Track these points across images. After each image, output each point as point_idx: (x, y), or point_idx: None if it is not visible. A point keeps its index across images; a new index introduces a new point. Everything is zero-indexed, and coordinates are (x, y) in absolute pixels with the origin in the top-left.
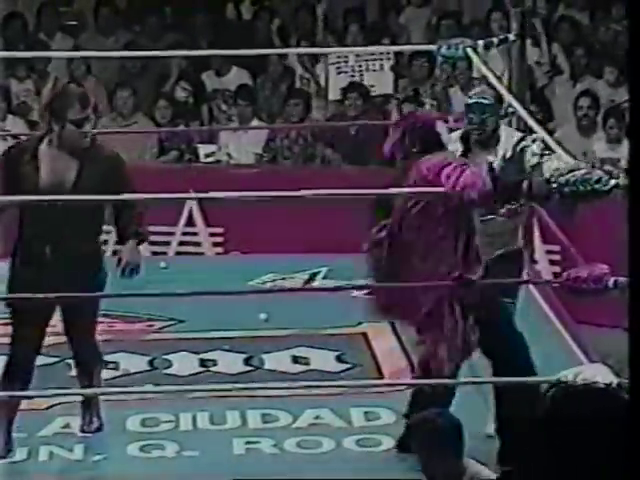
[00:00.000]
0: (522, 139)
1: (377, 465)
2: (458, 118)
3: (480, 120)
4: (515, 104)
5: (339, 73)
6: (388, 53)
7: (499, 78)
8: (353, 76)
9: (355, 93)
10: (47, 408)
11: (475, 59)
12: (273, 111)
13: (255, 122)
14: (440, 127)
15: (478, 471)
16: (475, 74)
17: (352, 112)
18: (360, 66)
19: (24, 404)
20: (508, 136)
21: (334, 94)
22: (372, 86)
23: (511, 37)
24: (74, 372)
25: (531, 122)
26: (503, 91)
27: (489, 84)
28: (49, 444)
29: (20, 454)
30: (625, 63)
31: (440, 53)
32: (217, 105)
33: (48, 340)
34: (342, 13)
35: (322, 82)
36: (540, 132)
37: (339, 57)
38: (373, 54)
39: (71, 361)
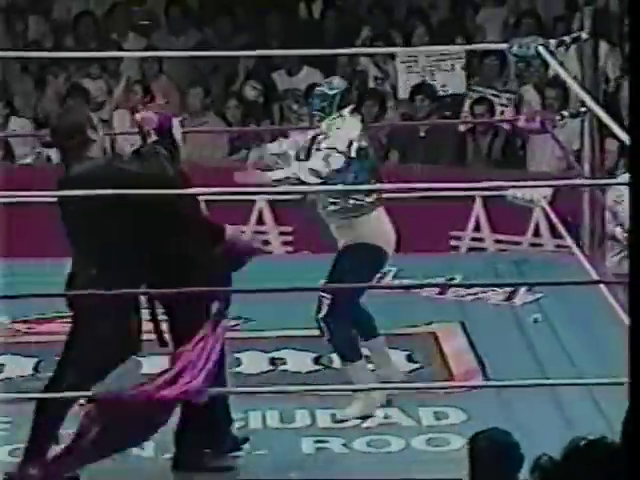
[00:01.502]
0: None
1: (446, 465)
2: (530, 117)
3: (320, 107)
4: (590, 103)
5: (409, 72)
6: (459, 53)
7: (575, 77)
8: (423, 76)
9: (422, 94)
10: None
11: (548, 58)
12: None
13: None
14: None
15: None
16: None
17: (421, 113)
18: (431, 66)
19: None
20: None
21: (404, 92)
22: (443, 86)
23: (584, 36)
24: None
25: (607, 121)
26: (578, 90)
27: (562, 82)
28: None
29: None
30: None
31: (512, 52)
32: (288, 105)
33: None
34: (411, 12)
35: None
36: (619, 132)
37: (409, 56)
38: (445, 54)
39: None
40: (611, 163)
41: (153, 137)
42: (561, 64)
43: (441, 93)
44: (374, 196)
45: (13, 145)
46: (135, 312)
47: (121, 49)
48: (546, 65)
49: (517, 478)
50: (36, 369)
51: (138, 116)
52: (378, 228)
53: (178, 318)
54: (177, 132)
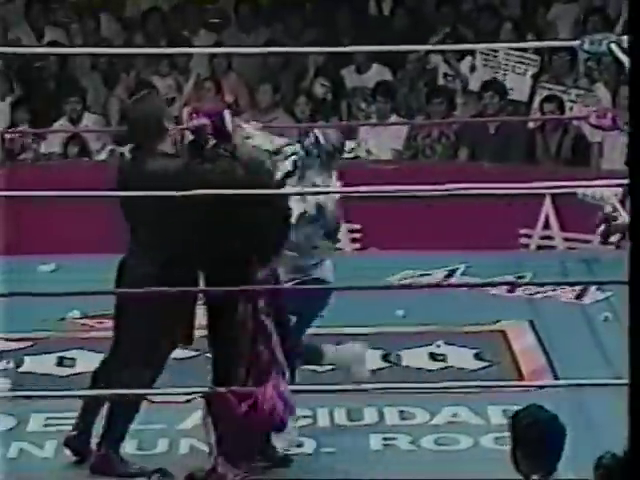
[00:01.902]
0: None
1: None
2: (601, 114)
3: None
4: None
5: (485, 65)
6: (535, 59)
7: None
8: (497, 72)
9: (492, 91)
10: (187, 401)
11: (620, 55)
12: (412, 108)
13: (394, 118)
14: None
15: None
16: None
17: (490, 110)
18: (507, 65)
19: (162, 398)
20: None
21: (475, 84)
22: (511, 89)
23: None
24: None
25: None
26: None
27: None
28: (189, 437)
29: (162, 446)
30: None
31: (583, 48)
32: (356, 103)
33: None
34: (481, 9)
35: (467, 80)
36: None
37: (491, 50)
38: (522, 57)
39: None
40: None
41: (212, 141)
42: None
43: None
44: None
45: (89, 141)
46: (191, 309)
47: (191, 46)
48: (617, 62)
49: (560, 453)
50: None
51: (190, 124)
52: None
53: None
54: (229, 125)
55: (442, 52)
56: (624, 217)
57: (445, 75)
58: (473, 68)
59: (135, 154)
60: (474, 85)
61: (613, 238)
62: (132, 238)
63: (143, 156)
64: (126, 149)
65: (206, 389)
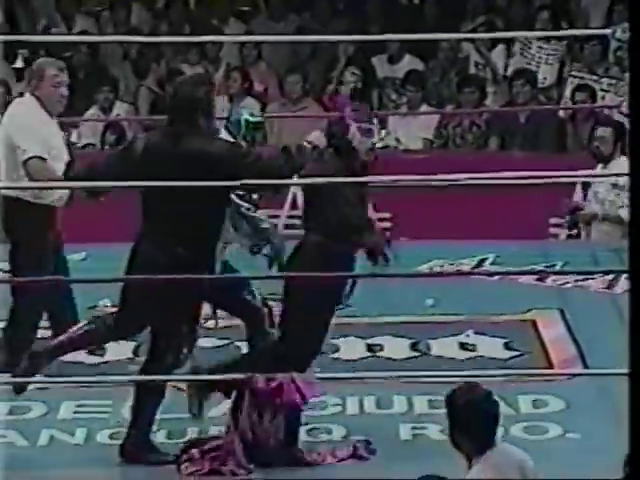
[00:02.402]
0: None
1: (544, 453)
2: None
3: (242, 136)
4: None
5: (522, 55)
6: (559, 49)
7: None
8: (529, 63)
9: (523, 79)
10: None
11: None
12: (443, 97)
13: (424, 108)
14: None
15: None
16: None
17: (520, 99)
18: (540, 57)
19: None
20: None
21: (505, 71)
22: (544, 79)
23: None
24: None
25: None
26: None
27: None
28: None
29: (191, 434)
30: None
31: (615, 37)
32: (387, 94)
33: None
34: None
35: (498, 69)
36: None
37: (526, 39)
38: (555, 48)
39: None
40: None
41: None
42: None
43: (539, 85)
44: None
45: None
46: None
47: (221, 35)
48: None
49: (495, 429)
50: (136, 352)
51: (308, 138)
52: None
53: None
54: (356, 139)
55: (473, 41)
56: (592, 207)
57: (476, 64)
58: (509, 55)
59: (177, 131)
60: (506, 73)
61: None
62: (152, 221)
63: (184, 134)
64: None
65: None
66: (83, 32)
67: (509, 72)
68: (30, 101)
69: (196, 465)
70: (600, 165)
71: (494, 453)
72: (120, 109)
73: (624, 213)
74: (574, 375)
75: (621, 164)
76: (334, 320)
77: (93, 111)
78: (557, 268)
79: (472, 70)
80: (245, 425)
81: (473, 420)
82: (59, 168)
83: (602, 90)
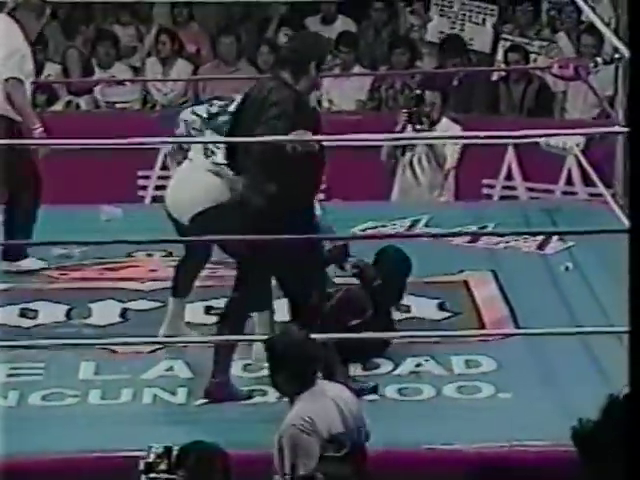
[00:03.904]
0: None
1: (477, 413)
2: (563, 64)
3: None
4: (624, 50)
5: (442, 15)
6: (492, 9)
7: (608, 24)
8: (454, 22)
9: (452, 47)
10: (151, 352)
11: (581, 3)
12: (376, 58)
13: (357, 69)
14: None
15: None
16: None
17: (450, 65)
18: (463, 15)
19: (129, 348)
20: None
21: (432, 36)
22: (471, 39)
23: None
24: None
25: None
26: (611, 36)
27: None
28: (152, 386)
29: (125, 396)
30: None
31: None
32: None
33: (151, 285)
34: None
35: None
36: None
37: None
38: (479, 7)
39: None
40: None
41: None
42: (593, 10)
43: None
44: None
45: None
46: None
47: None
48: (579, 11)
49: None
50: (68, 315)
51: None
52: None
53: None
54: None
55: (408, 3)
56: None
57: (411, 25)
58: (428, 19)
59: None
60: (431, 30)
61: None
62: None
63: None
64: (82, 100)
65: None
66: None
67: (433, 34)
68: (9, 21)
69: None
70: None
71: (313, 391)
72: (50, 69)
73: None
74: (534, 335)
75: (444, 125)
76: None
77: None
78: (489, 229)
79: (403, 31)
80: None
81: (290, 362)
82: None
83: (534, 53)
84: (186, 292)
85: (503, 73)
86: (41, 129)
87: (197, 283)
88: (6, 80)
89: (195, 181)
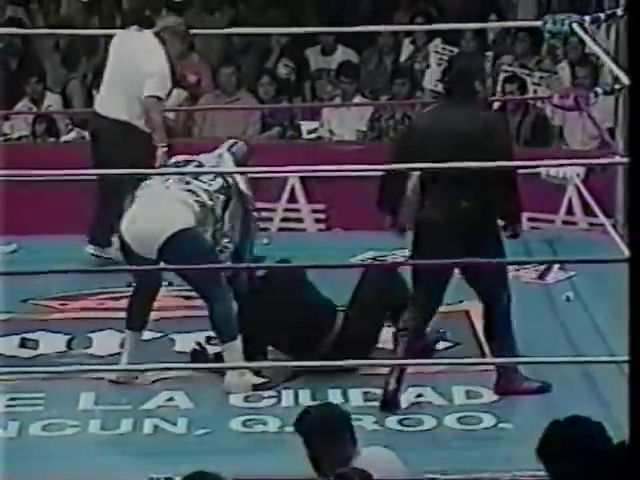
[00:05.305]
0: None
1: (478, 442)
2: (563, 94)
3: None
4: (625, 80)
5: (439, 65)
6: (451, 50)
7: (608, 53)
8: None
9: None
10: (153, 382)
11: (582, 35)
12: (377, 88)
13: (358, 99)
14: None
15: None
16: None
17: None
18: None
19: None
20: None
21: (429, 83)
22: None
23: (619, 12)
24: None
25: None
26: (612, 66)
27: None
28: (153, 417)
29: (125, 426)
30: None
31: (546, 28)
32: (320, 85)
33: (152, 315)
34: None
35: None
36: None
37: (444, 49)
38: (451, 50)
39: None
40: None
41: None
42: (594, 40)
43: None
44: None
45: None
46: None
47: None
48: (581, 42)
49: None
50: (69, 346)
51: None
52: None
53: None
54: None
55: (409, 33)
56: None
57: (411, 55)
58: (427, 65)
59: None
60: (428, 78)
61: None
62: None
63: (458, 104)
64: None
65: None
66: (13, 19)
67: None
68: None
69: None
70: None
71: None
72: (50, 100)
73: None
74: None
75: None
76: None
77: (24, 102)
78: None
79: (404, 62)
80: None
81: (328, 444)
82: None
83: (534, 84)
84: (143, 324)
85: (500, 103)
86: (166, 149)
87: (190, 313)
88: (147, 97)
89: (158, 209)
